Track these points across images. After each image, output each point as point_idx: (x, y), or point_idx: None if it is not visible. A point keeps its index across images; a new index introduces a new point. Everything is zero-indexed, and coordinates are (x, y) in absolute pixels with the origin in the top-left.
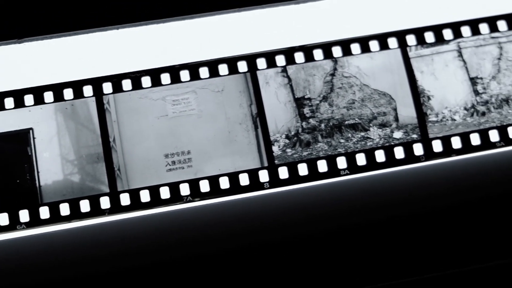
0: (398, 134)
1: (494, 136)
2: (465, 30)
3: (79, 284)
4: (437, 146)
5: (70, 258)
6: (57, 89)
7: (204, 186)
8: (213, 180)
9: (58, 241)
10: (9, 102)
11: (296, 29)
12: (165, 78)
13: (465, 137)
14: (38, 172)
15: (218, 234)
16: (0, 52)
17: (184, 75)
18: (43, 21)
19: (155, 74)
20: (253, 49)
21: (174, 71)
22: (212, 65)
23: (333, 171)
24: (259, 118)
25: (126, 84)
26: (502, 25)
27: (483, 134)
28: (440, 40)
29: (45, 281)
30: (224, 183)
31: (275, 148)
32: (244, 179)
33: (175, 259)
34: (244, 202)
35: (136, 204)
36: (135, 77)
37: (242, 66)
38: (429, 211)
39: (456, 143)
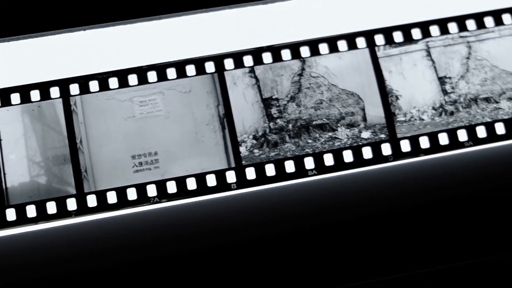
0: (366, 134)
1: (462, 135)
2: (434, 30)
3: (45, 285)
4: (405, 146)
5: (37, 260)
6: (24, 91)
7: (171, 187)
8: (180, 181)
9: (24, 243)
10: None
11: (264, 29)
12: (133, 79)
13: (433, 136)
14: (4, 174)
15: (186, 235)
16: None
17: (152, 76)
18: (8, 23)
19: (122, 75)
20: (221, 49)
21: (141, 72)
22: (180, 66)
23: (301, 171)
24: (227, 119)
25: (93, 85)
26: (471, 24)
27: (452, 133)
28: (408, 39)
29: (10, 282)
30: (191, 184)
31: (242, 149)
32: (211, 180)
33: (142, 261)
34: (212, 203)
35: (103, 205)
36: (102, 78)
37: (210, 66)
38: (397, 211)
39: (424, 143)
